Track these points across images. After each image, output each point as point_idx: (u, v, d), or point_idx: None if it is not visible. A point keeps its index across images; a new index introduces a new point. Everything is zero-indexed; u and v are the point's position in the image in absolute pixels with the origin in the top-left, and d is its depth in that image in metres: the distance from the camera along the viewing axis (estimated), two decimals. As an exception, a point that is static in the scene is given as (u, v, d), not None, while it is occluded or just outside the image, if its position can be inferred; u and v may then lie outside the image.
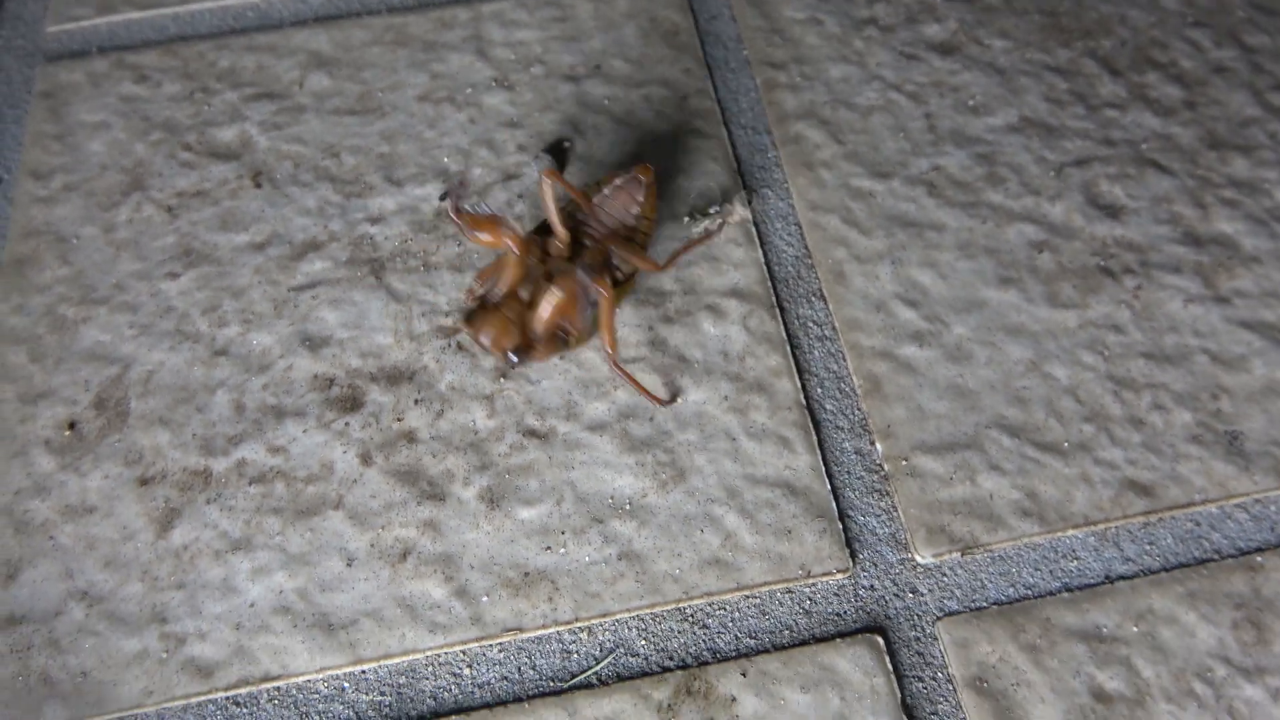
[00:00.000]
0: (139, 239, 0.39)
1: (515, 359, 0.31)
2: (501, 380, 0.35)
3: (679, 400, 0.35)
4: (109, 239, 0.39)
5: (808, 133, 0.41)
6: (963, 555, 0.33)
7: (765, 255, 0.38)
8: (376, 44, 0.44)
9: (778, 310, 0.37)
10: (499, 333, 0.31)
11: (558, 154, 0.41)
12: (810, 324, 0.37)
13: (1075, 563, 0.33)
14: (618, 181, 0.35)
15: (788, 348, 0.36)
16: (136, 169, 0.41)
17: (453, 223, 0.31)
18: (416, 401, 0.35)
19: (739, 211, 0.37)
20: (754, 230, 0.39)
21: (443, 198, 0.40)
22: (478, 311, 0.31)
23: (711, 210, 0.37)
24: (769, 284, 0.38)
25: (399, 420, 0.35)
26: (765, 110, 0.42)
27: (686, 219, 0.38)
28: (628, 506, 0.33)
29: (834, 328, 0.37)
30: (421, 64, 0.43)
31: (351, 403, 0.35)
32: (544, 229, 0.35)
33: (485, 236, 0.31)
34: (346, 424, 0.35)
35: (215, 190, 0.40)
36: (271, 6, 0.45)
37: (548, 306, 0.31)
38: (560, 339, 0.33)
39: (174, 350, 0.36)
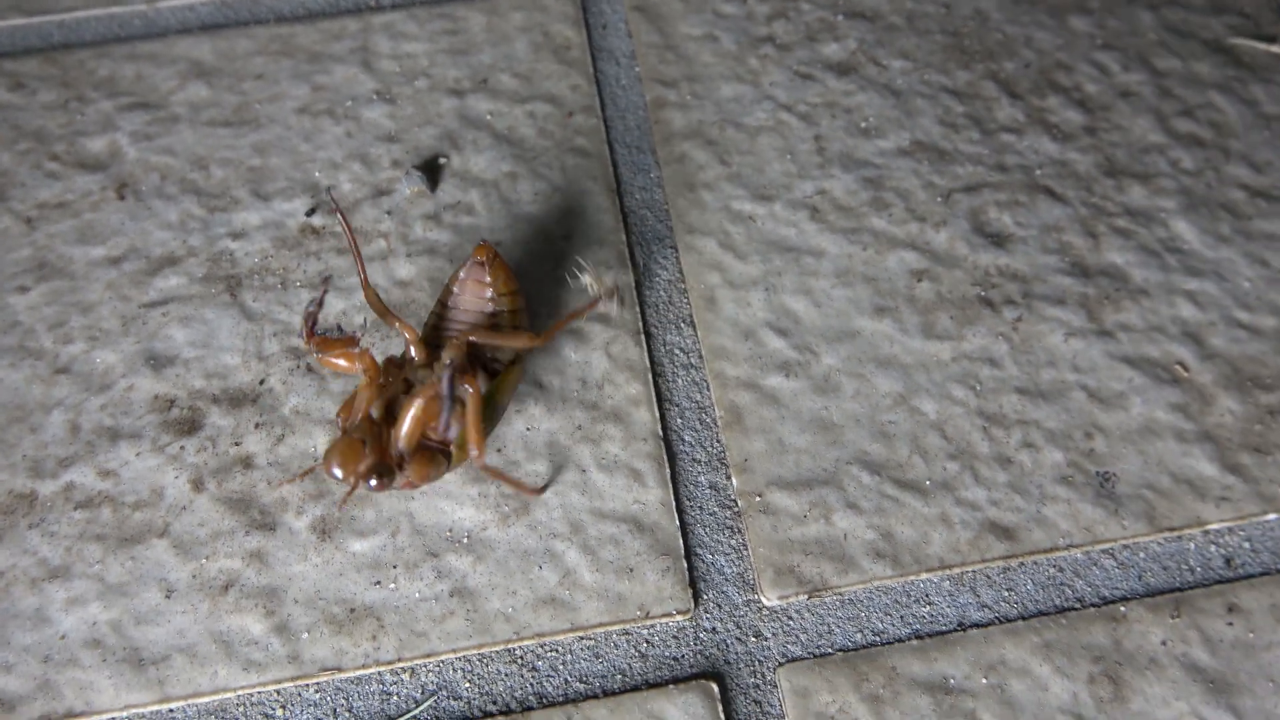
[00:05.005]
0: (-7, 251, 0.38)
1: (374, 483, 0.28)
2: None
3: (549, 489, 0.33)
4: (-38, 250, 0.38)
5: (693, 153, 0.40)
6: (809, 598, 0.31)
7: (636, 278, 0.37)
8: (261, 54, 0.43)
9: (643, 336, 0.36)
10: (344, 457, 0.27)
11: (431, 170, 0.39)
12: (677, 351, 0.36)
13: (928, 608, 0.31)
14: (461, 274, 0.32)
15: (650, 376, 0.35)
16: (0, 179, 0.39)
17: (306, 347, 0.29)
18: (257, 425, 0.34)
19: (611, 300, 0.32)
20: (627, 253, 0.37)
21: (309, 213, 0.38)
22: (331, 444, 0.28)
23: (587, 282, 0.33)
24: (638, 309, 0.36)
25: (236, 445, 0.33)
26: (651, 129, 0.41)
27: (571, 280, 0.36)
28: (465, 540, 0.32)
29: (700, 355, 0.35)
30: (304, 75, 0.42)
31: (190, 425, 0.34)
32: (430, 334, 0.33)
33: (339, 362, 0.29)
34: (182, 448, 0.33)
35: (77, 202, 0.39)
36: (159, 14, 0.44)
37: (406, 418, 0.28)
38: (436, 453, 0.29)
39: (14, 367, 0.35)
